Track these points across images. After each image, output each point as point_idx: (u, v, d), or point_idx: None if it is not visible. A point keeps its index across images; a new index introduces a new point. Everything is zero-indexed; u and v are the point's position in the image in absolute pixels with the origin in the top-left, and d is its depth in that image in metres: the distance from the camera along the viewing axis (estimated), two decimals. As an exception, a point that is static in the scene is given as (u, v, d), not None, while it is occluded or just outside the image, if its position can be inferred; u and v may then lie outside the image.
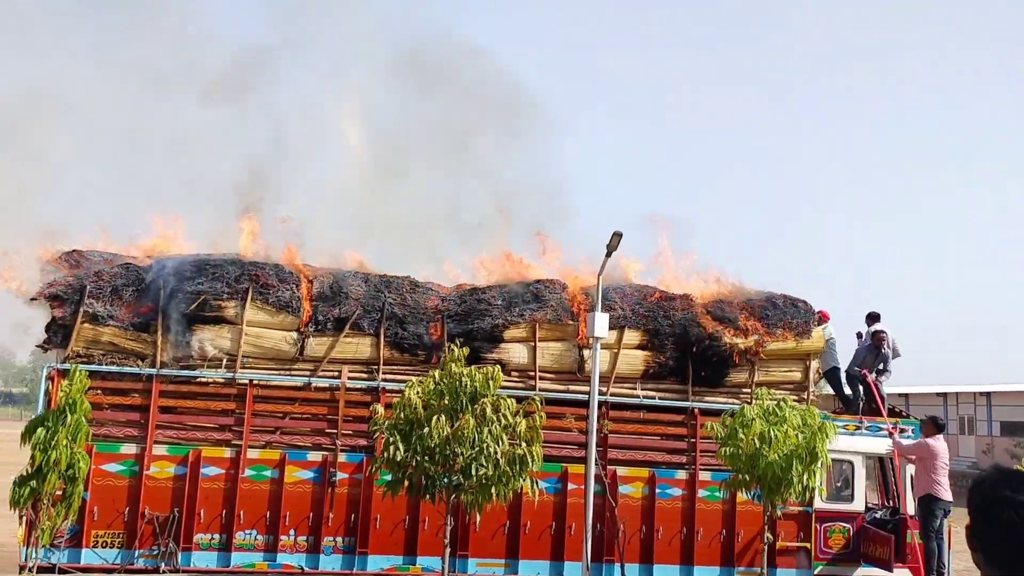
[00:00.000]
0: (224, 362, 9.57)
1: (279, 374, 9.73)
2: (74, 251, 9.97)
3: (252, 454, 9.45)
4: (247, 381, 9.53)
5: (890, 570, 10.25)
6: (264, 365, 9.74)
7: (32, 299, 9.46)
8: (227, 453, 9.42)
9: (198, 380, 9.54)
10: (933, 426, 10.39)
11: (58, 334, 9.40)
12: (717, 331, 10.38)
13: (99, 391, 9.19)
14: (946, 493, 10.04)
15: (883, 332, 11.53)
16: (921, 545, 10.07)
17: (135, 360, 9.45)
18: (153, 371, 9.35)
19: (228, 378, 9.52)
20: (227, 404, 9.56)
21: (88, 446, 8.61)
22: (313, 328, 9.77)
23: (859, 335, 12.01)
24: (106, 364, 9.35)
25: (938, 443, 10.13)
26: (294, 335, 9.79)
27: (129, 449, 9.25)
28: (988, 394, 41.22)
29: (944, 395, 42.70)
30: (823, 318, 11.41)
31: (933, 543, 10.01)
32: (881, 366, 11.43)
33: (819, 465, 8.79)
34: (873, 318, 11.83)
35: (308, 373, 9.78)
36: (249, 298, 9.63)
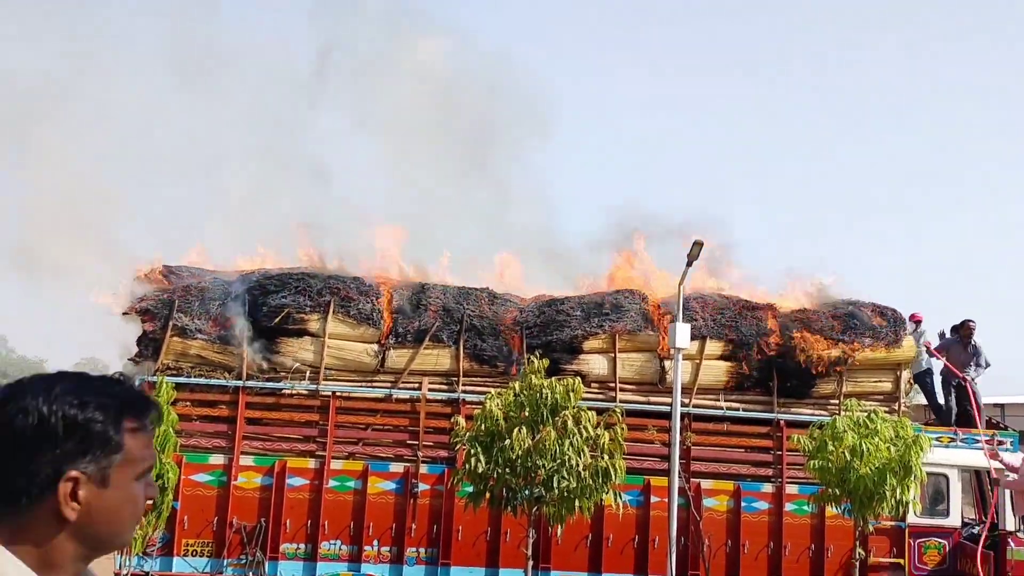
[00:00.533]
0: (308, 374, 9.74)
1: (361, 386, 9.87)
2: (164, 266, 10.30)
3: (336, 465, 9.58)
4: (330, 393, 9.68)
5: (989, 588, 9.80)
6: (346, 377, 9.88)
7: (124, 313, 9.81)
8: (311, 464, 9.58)
9: (283, 392, 9.73)
10: None
11: (149, 347, 9.72)
12: (802, 341, 10.10)
13: (188, 403, 9.45)
14: None
15: (971, 321, 11.03)
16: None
17: (222, 372, 9.70)
18: (239, 383, 9.57)
19: (311, 390, 9.69)
20: (311, 416, 9.73)
21: (177, 456, 8.85)
22: (393, 340, 9.88)
23: (941, 335, 11.49)
24: (194, 376, 9.61)
25: None
26: (375, 347, 9.91)
27: (217, 460, 9.48)
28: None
29: (1037, 404, 40.69)
30: (916, 320, 11.03)
31: None
32: (974, 362, 10.93)
33: (913, 479, 8.46)
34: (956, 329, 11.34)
35: (389, 385, 9.88)
36: (331, 311, 9.79)
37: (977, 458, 10.44)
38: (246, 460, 9.52)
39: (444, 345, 9.94)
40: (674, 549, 8.99)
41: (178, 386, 9.31)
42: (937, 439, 10.08)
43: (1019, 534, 10.07)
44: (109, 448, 1.30)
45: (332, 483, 9.53)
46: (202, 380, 9.60)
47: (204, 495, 9.40)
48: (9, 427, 1.27)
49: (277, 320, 9.68)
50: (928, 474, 9.24)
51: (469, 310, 10.06)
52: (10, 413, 1.28)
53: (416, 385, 9.88)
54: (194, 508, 9.33)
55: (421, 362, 9.90)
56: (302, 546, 9.45)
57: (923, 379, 10.93)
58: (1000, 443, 10.43)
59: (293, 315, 9.73)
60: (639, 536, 9.71)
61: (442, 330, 9.92)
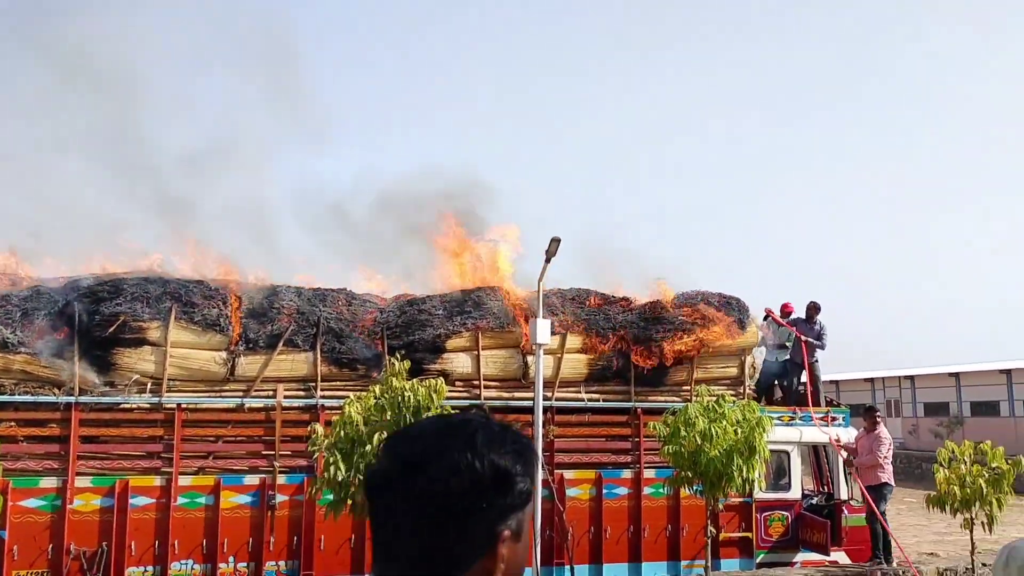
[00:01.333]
0: (149, 386, 9.11)
1: (209, 396, 9.32)
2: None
3: (184, 481, 9.02)
4: (175, 405, 9.09)
5: (827, 553, 10.54)
6: (192, 387, 9.31)
7: (-70, 327, 8.82)
8: (157, 481, 8.97)
9: (121, 406, 9.05)
10: (874, 418, 10.71)
11: (-36, 365, 8.78)
12: (658, 333, 10.45)
13: (12, 423, 8.63)
14: (889, 478, 10.42)
15: (817, 303, 11.81)
16: (877, 525, 10.39)
17: (51, 388, 8.90)
18: (71, 399, 8.81)
19: (154, 403, 9.07)
20: (154, 430, 9.11)
21: (2, 482, 8.08)
22: (244, 346, 9.40)
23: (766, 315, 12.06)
24: (19, 393, 8.78)
25: (884, 432, 10.48)
26: (223, 355, 9.39)
27: (49, 483, 8.71)
28: (912, 377, 43.14)
29: (872, 380, 44.53)
30: (787, 311, 11.72)
31: (878, 525, 10.35)
32: (817, 341, 11.69)
33: (758, 458, 8.90)
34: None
35: (241, 394, 9.39)
36: (173, 318, 9.19)
37: (814, 434, 11.20)
38: (83, 481, 8.79)
39: (300, 349, 9.54)
40: (539, 541, 9.07)
41: (1, 405, 8.51)
42: (778, 418, 10.70)
43: (852, 502, 10.88)
44: (526, 499, 1.23)
45: (181, 500, 8.97)
46: (28, 397, 8.78)
47: (36, 521, 8.62)
48: (444, 490, 1.15)
49: (112, 329, 8.98)
50: (771, 452, 9.78)
51: (326, 312, 9.72)
52: (438, 474, 1.16)
53: (270, 393, 9.44)
54: (25, 536, 8.54)
55: (275, 368, 9.46)
56: (150, 569, 8.85)
57: (774, 366, 11.61)
58: (833, 419, 11.23)
59: (130, 324, 9.05)
60: (504, 531, 9.72)
61: (297, 334, 9.52)
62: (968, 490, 9.25)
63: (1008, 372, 38.05)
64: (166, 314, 9.20)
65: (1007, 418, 36.99)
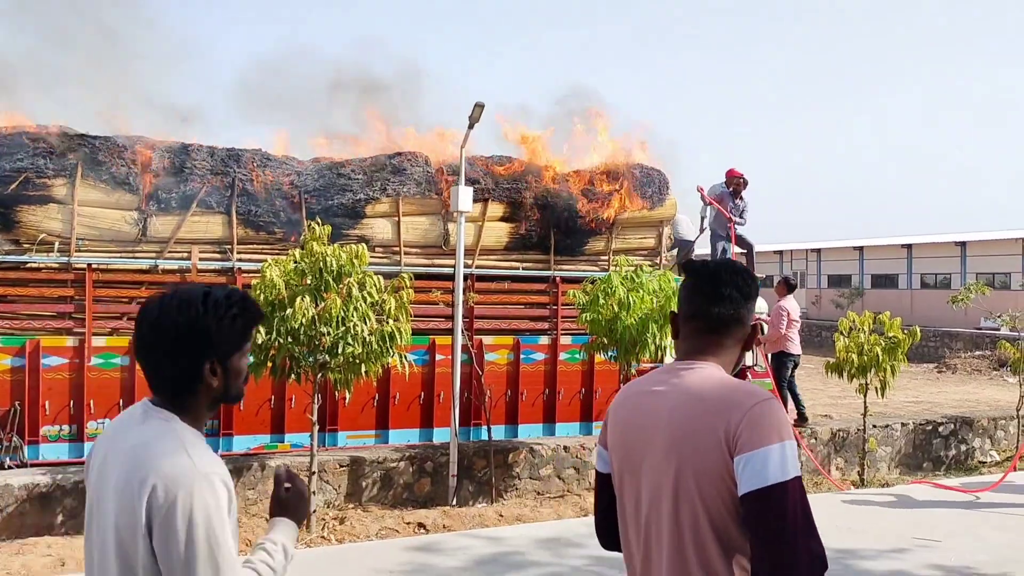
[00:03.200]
0: (57, 246, 8.79)
1: (121, 256, 9.07)
2: None
3: (98, 342, 8.89)
4: (85, 265, 8.83)
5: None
6: (103, 247, 9.03)
7: None
8: (70, 342, 8.82)
9: (28, 266, 8.75)
10: (785, 287, 11.19)
11: None
12: (578, 202, 10.53)
13: (-90, 282, 8.27)
14: (795, 347, 11.00)
15: (743, 175, 12.01)
16: (774, 391, 11.06)
17: (-49, 247, 8.51)
18: (-27, 257, 8.47)
19: (63, 263, 8.79)
20: (64, 290, 8.87)
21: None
22: (155, 207, 9.09)
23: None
24: (-84, 252, 8.38)
25: (788, 303, 10.97)
26: (134, 214, 9.08)
27: (-45, 343, 8.47)
28: (819, 251, 44.91)
29: (780, 252, 46.21)
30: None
31: (785, 391, 11.04)
32: (738, 214, 12.00)
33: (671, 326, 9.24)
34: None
35: (154, 255, 9.17)
36: (79, 174, 8.78)
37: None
38: (-9, 342, 8.58)
39: (214, 211, 9.29)
40: (457, 402, 9.36)
41: None
42: (692, 288, 11.07)
43: (756, 368, 11.51)
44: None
45: (95, 361, 8.87)
46: (-72, 257, 8.39)
47: (-58, 382, 8.43)
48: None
49: (14, 186, 8.54)
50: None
51: (240, 173, 9.42)
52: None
53: (185, 255, 9.24)
54: (-69, 396, 8.37)
55: (189, 230, 9.21)
56: (66, 427, 8.82)
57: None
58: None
59: (33, 180, 8.62)
60: (425, 393, 10.02)
61: (211, 195, 9.24)
62: (865, 357, 9.87)
63: (908, 247, 40.01)
64: (72, 171, 8.78)
65: (905, 290, 39.19)
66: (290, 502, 2.08)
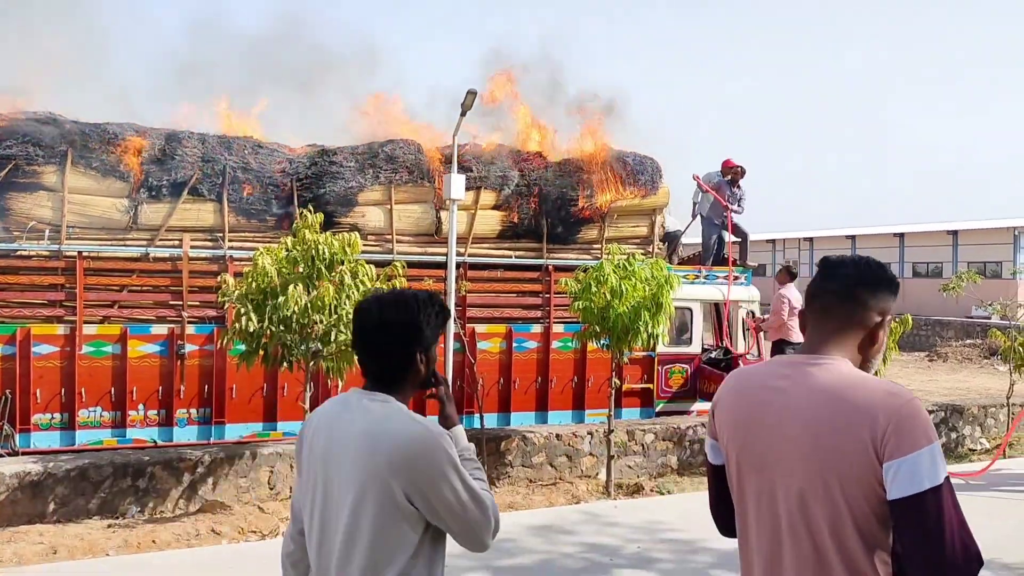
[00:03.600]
0: (47, 233, 8.75)
1: (112, 244, 9.04)
2: None
3: (89, 330, 8.87)
4: (76, 253, 8.80)
5: (722, 403, 11.26)
6: (94, 235, 8.99)
7: None
8: (61, 330, 8.79)
9: (19, 253, 8.71)
10: (787, 275, 11.19)
11: None
12: (571, 190, 10.53)
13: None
14: (796, 335, 10.99)
15: (741, 166, 12.06)
16: None
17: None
18: (-39, 245, 8.43)
19: (53, 250, 8.75)
20: (55, 278, 8.83)
21: None
22: (146, 194, 9.05)
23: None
24: (-94, 239, 8.33)
25: (790, 291, 10.96)
26: (125, 202, 9.04)
27: (-55, 331, 8.44)
28: (811, 239, 45.06)
29: (773, 241, 46.32)
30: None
31: None
32: (736, 203, 12.04)
33: (664, 314, 9.24)
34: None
35: (145, 243, 9.13)
36: (70, 162, 8.73)
37: (716, 292, 11.71)
38: (-19, 329, 8.55)
39: (205, 199, 9.26)
40: (450, 390, 9.38)
41: None
42: (684, 276, 11.09)
43: (748, 356, 11.55)
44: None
45: (87, 349, 8.85)
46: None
47: (-66, 369, 8.41)
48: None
49: (3, 174, 8.49)
50: (675, 308, 10.19)
51: (232, 161, 9.38)
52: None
53: (176, 242, 9.21)
54: (-78, 384, 8.34)
55: (180, 217, 9.18)
56: (57, 416, 8.82)
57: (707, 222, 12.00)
58: (736, 278, 11.72)
59: (23, 167, 8.57)
60: (417, 381, 10.00)
61: (202, 182, 9.20)
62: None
63: (901, 235, 40.15)
64: (62, 158, 8.73)
65: (898, 279, 39.31)
66: (448, 420, 2.49)
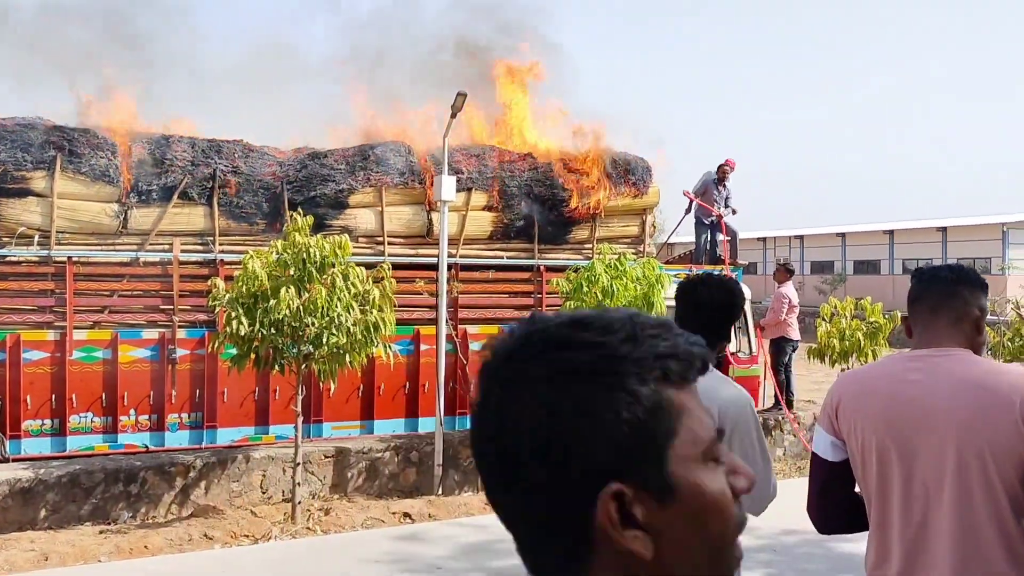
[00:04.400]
0: (36, 239, 8.71)
1: (101, 249, 9.00)
2: None
3: (79, 335, 8.82)
4: (65, 258, 8.75)
5: (714, 401, 11.29)
6: (83, 240, 8.95)
7: None
8: (50, 335, 8.74)
9: (7, 259, 8.66)
10: (786, 273, 11.25)
11: None
12: (562, 190, 10.55)
13: None
14: (795, 333, 11.07)
15: (729, 163, 12.14)
16: (774, 378, 11.19)
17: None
18: (-48, 251, 8.38)
19: (43, 256, 8.71)
20: (45, 284, 8.79)
21: None
22: (136, 199, 9.02)
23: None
24: None
25: (788, 289, 11.03)
26: (115, 207, 9.00)
27: (-66, 338, 8.39)
28: (801, 237, 45.20)
29: (764, 239, 46.48)
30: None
31: (782, 376, 11.13)
32: (724, 201, 12.11)
33: (655, 313, 9.27)
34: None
35: (135, 247, 9.10)
36: (58, 167, 8.70)
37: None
38: (-29, 335, 8.50)
39: (195, 203, 9.23)
40: (442, 392, 9.36)
41: None
42: (676, 275, 11.11)
43: (739, 354, 11.57)
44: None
45: (77, 355, 8.80)
46: (-97, 248, 8.29)
47: (-77, 376, 8.35)
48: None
49: (-9, 179, 8.45)
50: (668, 307, 10.21)
51: (221, 164, 9.36)
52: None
53: (166, 247, 9.17)
54: (-88, 390, 8.28)
55: (170, 222, 9.15)
56: (48, 422, 8.76)
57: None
58: (728, 276, 11.77)
59: (11, 173, 8.53)
60: (410, 383, 10.01)
61: (192, 186, 9.18)
62: (847, 343, 9.96)
63: (891, 232, 40.33)
64: (51, 163, 8.70)
65: (887, 276, 39.50)
66: None
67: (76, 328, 8.80)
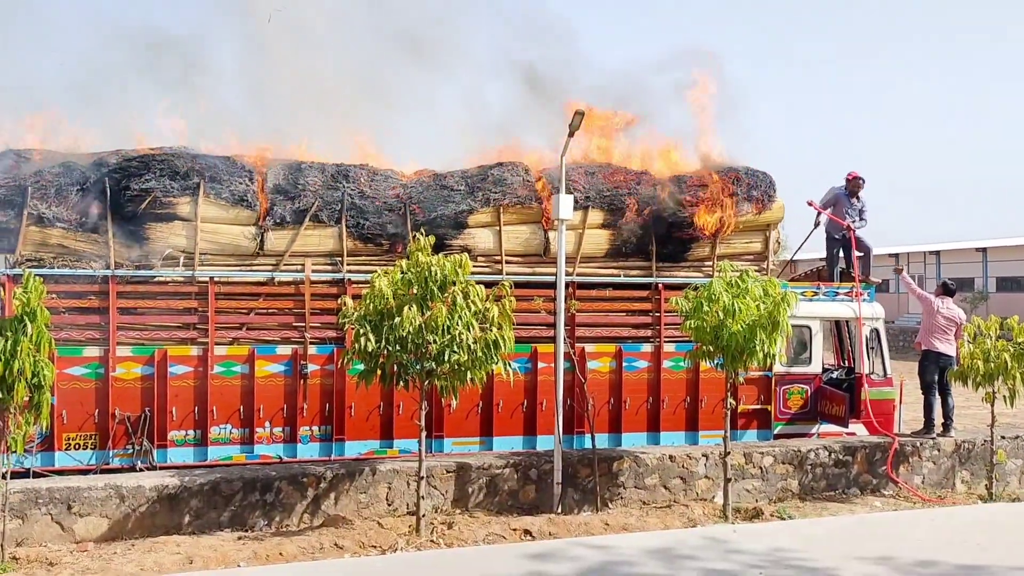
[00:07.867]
0: (181, 260, 9.34)
1: (240, 270, 9.56)
2: (12, 151, 9.45)
3: (220, 351, 9.39)
4: (207, 279, 9.35)
5: (845, 425, 10.81)
6: (223, 261, 9.54)
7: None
8: (194, 351, 9.34)
9: (156, 280, 9.32)
10: (943, 290, 10.66)
11: (2, 239, 9.03)
12: (680, 208, 10.43)
13: (53, 295, 8.92)
14: (941, 347, 10.34)
15: (860, 178, 11.72)
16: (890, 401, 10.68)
17: (88, 262, 9.16)
18: (108, 272, 9.09)
19: (187, 276, 9.33)
20: (189, 303, 9.40)
21: (50, 351, 8.42)
22: (271, 222, 9.55)
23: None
24: (58, 267, 9.05)
25: (938, 300, 10.41)
26: (252, 230, 9.56)
27: (92, 352, 9.10)
28: (937, 252, 42.74)
29: (896, 255, 44.22)
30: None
31: (931, 396, 10.54)
32: (857, 215, 11.66)
33: (780, 333, 8.98)
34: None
35: (271, 268, 9.62)
36: (201, 193, 9.31)
37: (837, 309, 11.29)
38: (123, 351, 9.18)
39: (325, 225, 9.68)
40: (560, 410, 9.37)
41: (44, 279, 8.76)
42: (802, 294, 10.77)
43: (873, 376, 11.07)
44: None
45: (218, 369, 9.36)
46: (67, 271, 9.05)
47: (81, 388, 9.07)
48: None
49: (144, 205, 9.13)
50: (793, 327, 9.89)
51: (349, 188, 9.79)
52: None
53: (299, 267, 9.66)
54: (72, 402, 9.01)
55: (303, 243, 9.64)
56: (191, 432, 9.34)
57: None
58: (860, 295, 11.28)
59: (160, 199, 9.19)
60: (528, 401, 10.10)
61: (322, 209, 9.64)
62: (992, 365, 9.35)
63: (1043, 247, 37.54)
64: (194, 190, 9.32)
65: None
66: None
67: (217, 344, 9.37)
